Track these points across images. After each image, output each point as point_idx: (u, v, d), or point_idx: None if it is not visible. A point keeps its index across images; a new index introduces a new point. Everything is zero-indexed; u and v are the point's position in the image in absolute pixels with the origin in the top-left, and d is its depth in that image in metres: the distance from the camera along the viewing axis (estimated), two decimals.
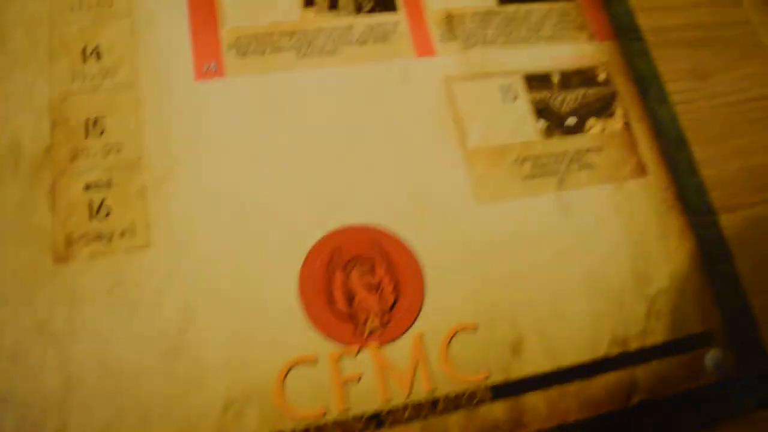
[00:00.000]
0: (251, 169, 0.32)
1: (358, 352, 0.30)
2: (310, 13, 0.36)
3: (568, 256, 0.33)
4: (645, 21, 0.40)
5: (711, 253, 0.35)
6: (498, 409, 0.30)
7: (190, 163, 0.32)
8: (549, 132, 0.35)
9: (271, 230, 0.31)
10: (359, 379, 0.30)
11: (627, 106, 0.37)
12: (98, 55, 0.33)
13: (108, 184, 0.31)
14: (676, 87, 0.39)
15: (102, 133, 0.32)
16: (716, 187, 0.37)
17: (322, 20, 0.36)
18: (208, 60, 0.34)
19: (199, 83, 0.33)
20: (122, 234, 0.30)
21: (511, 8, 0.38)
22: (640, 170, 0.36)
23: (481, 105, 0.35)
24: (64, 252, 0.30)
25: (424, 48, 0.36)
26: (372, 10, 0.36)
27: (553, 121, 0.36)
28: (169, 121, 0.33)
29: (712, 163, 0.37)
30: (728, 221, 0.36)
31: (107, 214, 0.31)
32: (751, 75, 0.41)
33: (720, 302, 0.34)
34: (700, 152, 0.37)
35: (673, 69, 0.39)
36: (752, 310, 0.35)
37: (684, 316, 0.33)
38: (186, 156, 0.32)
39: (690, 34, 0.41)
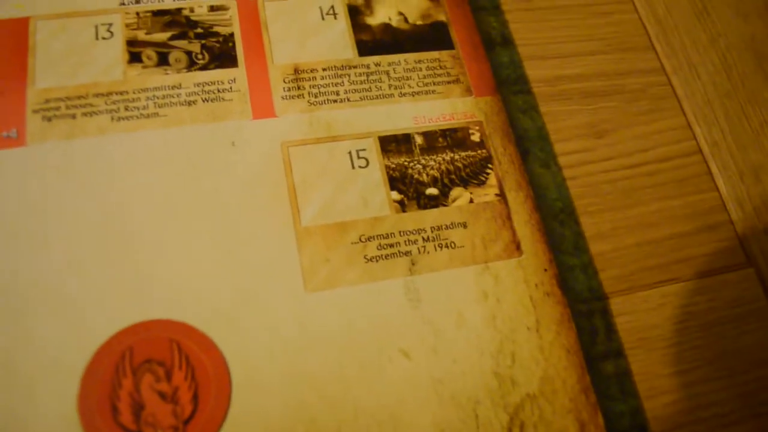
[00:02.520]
0: (42, 253, 0.28)
1: None
2: (135, 70, 0.32)
3: (413, 355, 0.28)
4: (535, 71, 0.35)
5: (596, 347, 0.29)
6: None
7: None
8: (403, 205, 0.30)
9: (54, 326, 0.27)
10: None
11: (503, 172, 0.32)
12: None
13: None
14: (567, 147, 0.34)
15: None
16: (608, 266, 0.31)
17: (147, 78, 0.31)
18: (9, 127, 0.30)
19: None
20: None
21: (372, 61, 0.33)
22: (514, 249, 0.30)
23: (323, 174, 0.30)
24: None
25: (262, 108, 0.31)
26: (206, 66, 0.32)
27: (409, 191, 0.31)
28: None
29: (605, 237, 0.32)
30: (621, 307, 0.31)
31: None
32: (659, 131, 0.35)
33: (604, 409, 0.28)
34: (590, 225, 0.32)
35: (565, 126, 0.34)
36: (646, 416, 0.29)
37: (556, 429, 0.28)
38: None
39: (588, 85, 0.36)
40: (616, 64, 0.37)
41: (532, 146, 0.33)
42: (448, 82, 0.34)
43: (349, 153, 0.31)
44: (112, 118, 0.30)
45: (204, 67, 0.32)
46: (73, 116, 0.30)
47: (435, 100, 0.33)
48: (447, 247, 0.30)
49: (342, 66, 0.33)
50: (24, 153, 0.29)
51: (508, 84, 0.34)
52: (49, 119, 0.30)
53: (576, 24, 0.38)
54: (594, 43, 0.37)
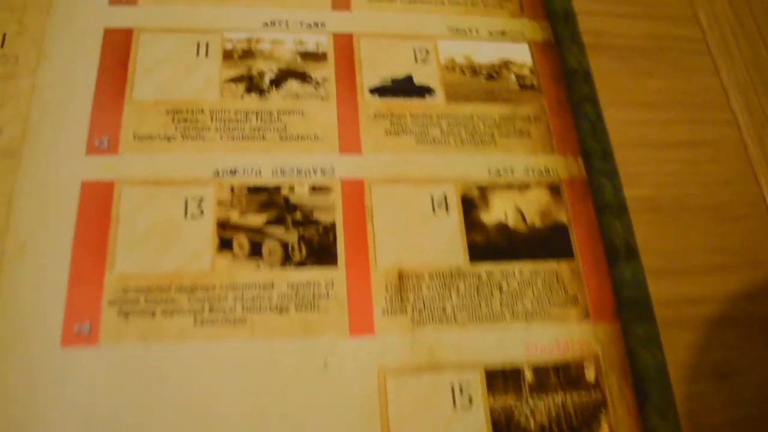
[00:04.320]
0: None
1: None
2: (225, 260, 0.28)
3: None
4: (658, 290, 0.31)
5: None
6: None
7: None
8: None
9: None
10: None
11: (617, 420, 0.28)
12: None
13: None
14: (688, 390, 0.30)
15: None
16: None
17: (237, 272, 0.28)
18: (82, 320, 0.27)
19: (64, 350, 0.26)
20: None
21: (484, 269, 0.30)
22: None
23: (422, 412, 0.27)
24: None
25: (360, 323, 0.28)
26: (303, 263, 0.29)
27: None
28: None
29: None
30: None
31: None
32: None
33: None
34: None
35: (686, 363, 0.31)
36: None
37: None
38: None
39: (714, 310, 0.32)
40: (745, 284, 0.33)
41: (650, 390, 0.29)
42: (565, 302, 0.30)
43: (452, 387, 0.28)
44: (195, 321, 0.27)
45: (300, 264, 0.29)
46: (153, 314, 0.27)
47: (549, 325, 0.30)
48: None
49: (451, 274, 0.30)
50: (96, 354, 0.26)
51: (629, 307, 0.31)
52: (126, 315, 0.27)
53: (705, 231, 0.34)
54: (723, 255, 0.33)
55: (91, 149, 0.30)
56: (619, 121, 0.35)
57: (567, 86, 0.35)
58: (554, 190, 0.32)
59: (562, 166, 0.33)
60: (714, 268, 0.33)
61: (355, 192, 0.30)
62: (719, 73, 0.38)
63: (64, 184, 0.29)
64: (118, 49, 0.32)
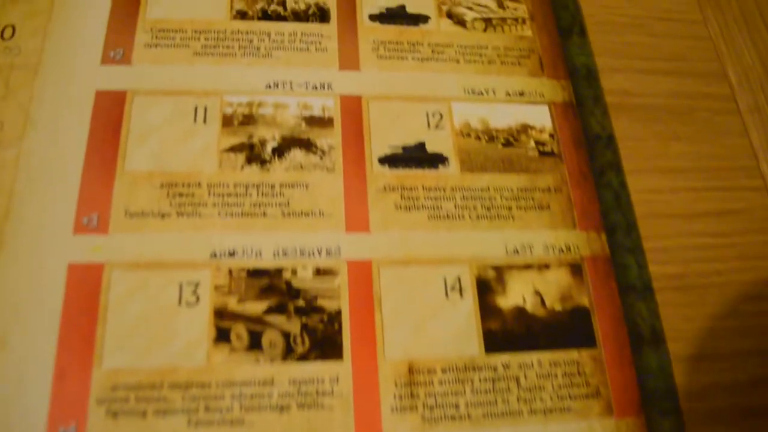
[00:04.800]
0: None
1: None
2: (222, 353, 0.26)
3: None
4: (685, 380, 0.29)
5: None
6: None
7: None
8: None
9: None
10: None
11: None
12: None
13: None
14: None
15: None
16: None
17: (235, 367, 0.26)
18: (67, 421, 0.25)
19: None
20: None
21: (500, 360, 0.28)
22: None
23: None
24: None
25: (367, 424, 0.26)
26: (306, 356, 0.27)
27: None
28: None
29: None
30: None
31: None
32: None
33: None
34: None
35: None
36: None
37: None
38: None
39: (743, 402, 0.30)
40: None
41: None
42: (587, 396, 0.28)
43: None
44: (189, 422, 0.25)
45: (303, 357, 0.27)
46: (144, 414, 0.25)
47: (569, 422, 0.27)
48: None
49: (465, 367, 0.27)
50: None
51: (655, 399, 0.29)
52: (115, 415, 0.25)
53: (736, 311, 0.32)
54: (756, 338, 0.31)
55: (79, 228, 0.27)
56: (642, 189, 0.33)
57: (589, 152, 0.33)
58: (575, 269, 0.30)
59: (583, 242, 0.31)
60: (747, 353, 0.31)
61: (363, 275, 0.28)
62: (748, 134, 0.36)
63: (49, 266, 0.27)
64: (110, 114, 0.30)
